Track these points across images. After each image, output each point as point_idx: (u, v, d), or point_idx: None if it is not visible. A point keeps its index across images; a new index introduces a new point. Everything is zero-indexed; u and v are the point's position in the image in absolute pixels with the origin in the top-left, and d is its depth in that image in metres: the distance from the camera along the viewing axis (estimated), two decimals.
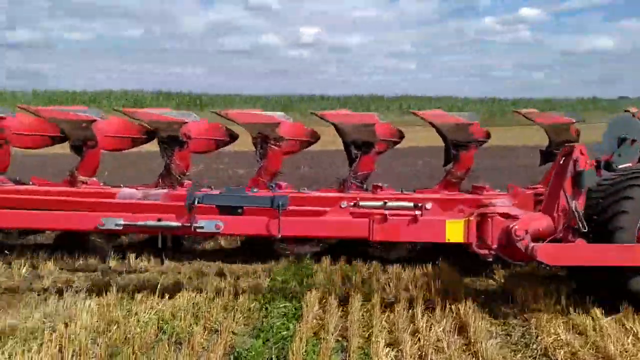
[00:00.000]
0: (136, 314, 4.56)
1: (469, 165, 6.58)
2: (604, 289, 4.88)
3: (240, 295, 5.02)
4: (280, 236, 4.68)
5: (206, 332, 4.30)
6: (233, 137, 7.00)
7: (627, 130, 5.93)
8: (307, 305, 4.71)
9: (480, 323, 4.44)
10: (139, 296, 4.92)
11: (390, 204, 4.82)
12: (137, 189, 6.24)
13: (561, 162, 4.89)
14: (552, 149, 6.56)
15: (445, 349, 4.10)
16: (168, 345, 3.95)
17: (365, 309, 4.78)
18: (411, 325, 4.50)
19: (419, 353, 4.04)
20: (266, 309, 4.82)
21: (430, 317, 4.63)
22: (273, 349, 4.05)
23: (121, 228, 4.79)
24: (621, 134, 5.93)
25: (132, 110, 6.88)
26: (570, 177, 4.76)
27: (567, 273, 5.45)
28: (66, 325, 4.26)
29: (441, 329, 4.41)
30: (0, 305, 4.84)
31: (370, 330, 4.37)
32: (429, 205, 4.73)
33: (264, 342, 4.16)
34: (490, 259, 4.66)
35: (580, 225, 4.63)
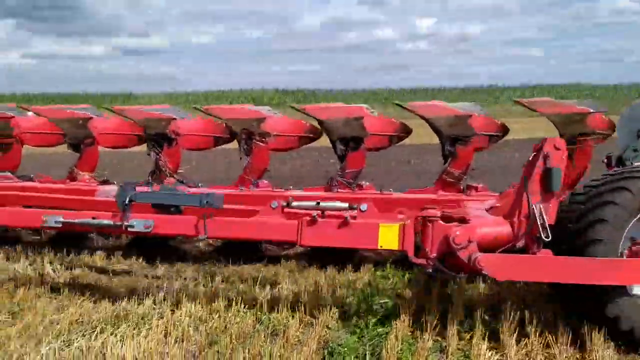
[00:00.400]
0: (236, 304, 4.59)
1: (468, 162, 5.85)
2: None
3: (338, 291, 4.96)
4: (206, 237, 4.38)
5: (301, 325, 4.27)
6: (233, 134, 6.78)
7: None
8: (404, 303, 4.48)
9: (598, 330, 3.90)
10: (240, 287, 5.08)
11: (323, 204, 4.33)
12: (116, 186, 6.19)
13: (530, 158, 4.13)
14: None
15: (557, 356, 3.77)
16: (264, 336, 3.98)
17: (467, 309, 4.40)
18: (518, 328, 4.07)
19: (526, 359, 3.76)
20: (363, 305, 4.62)
21: (540, 321, 4.14)
22: (367, 345, 3.94)
23: (60, 226, 4.72)
24: None
25: (122, 108, 6.87)
26: (537, 176, 4.01)
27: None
28: (172, 312, 4.43)
29: (553, 335, 3.96)
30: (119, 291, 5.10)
31: (472, 332, 4.07)
32: (364, 207, 4.19)
33: (358, 338, 4.06)
34: (431, 271, 4.03)
35: (542, 234, 3.88)
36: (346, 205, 4.28)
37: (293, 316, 4.34)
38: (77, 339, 3.95)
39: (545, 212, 3.98)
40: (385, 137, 6.32)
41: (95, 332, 4.05)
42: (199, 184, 6.51)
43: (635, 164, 4.86)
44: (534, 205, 3.94)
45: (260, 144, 6.28)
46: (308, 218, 4.14)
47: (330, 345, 3.93)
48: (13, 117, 7.03)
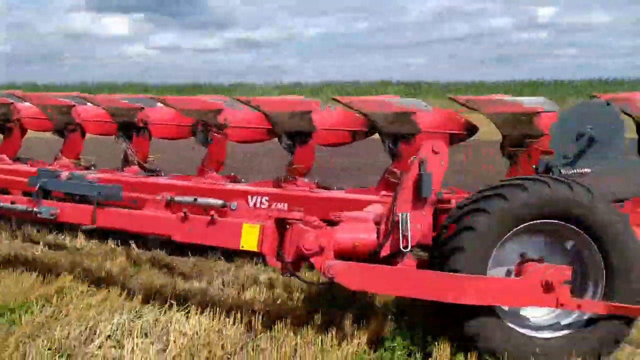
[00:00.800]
0: (297, 291, 4.75)
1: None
2: None
3: None
4: (94, 226, 4.46)
5: (355, 317, 4.22)
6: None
7: (593, 123, 4.40)
8: None
9: None
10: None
11: (200, 200, 4.25)
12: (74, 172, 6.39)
13: (409, 162, 3.80)
14: (507, 146, 5.11)
15: None
16: (320, 325, 4.03)
17: None
18: None
19: None
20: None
21: None
22: (420, 343, 3.80)
23: None
24: (582, 128, 4.42)
25: (94, 97, 7.10)
26: (410, 181, 3.69)
27: None
28: (238, 293, 4.70)
29: None
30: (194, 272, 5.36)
31: None
32: (234, 205, 4.07)
33: (411, 335, 3.91)
34: (289, 275, 3.84)
35: (401, 241, 3.57)
36: (220, 202, 4.18)
37: (348, 308, 4.31)
38: (147, 312, 4.19)
39: (416, 220, 3.66)
40: (345, 132, 6.06)
41: (164, 308, 4.26)
42: (162, 173, 6.64)
43: (564, 172, 4.36)
44: (399, 213, 3.64)
45: (217, 135, 6.26)
46: (181, 214, 4.08)
47: (383, 339, 3.85)
48: (12, 103, 7.51)
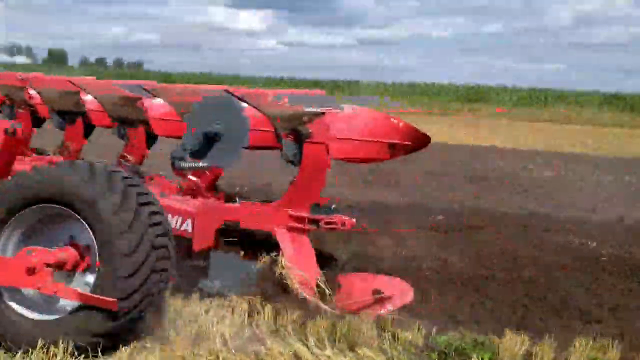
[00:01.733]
0: None
1: (142, 148, 5.54)
2: None
3: None
4: None
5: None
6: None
7: (219, 117, 4.32)
8: None
9: None
10: None
11: None
12: None
13: None
14: None
15: None
16: None
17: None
18: None
19: None
20: None
21: None
22: None
23: None
24: (208, 122, 4.36)
25: None
26: None
27: None
28: None
29: None
30: None
31: None
32: None
33: None
34: None
35: None
36: None
37: None
38: None
39: None
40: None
41: None
42: None
43: (184, 165, 4.32)
44: None
45: (22, 111, 6.65)
46: None
47: None
48: None
